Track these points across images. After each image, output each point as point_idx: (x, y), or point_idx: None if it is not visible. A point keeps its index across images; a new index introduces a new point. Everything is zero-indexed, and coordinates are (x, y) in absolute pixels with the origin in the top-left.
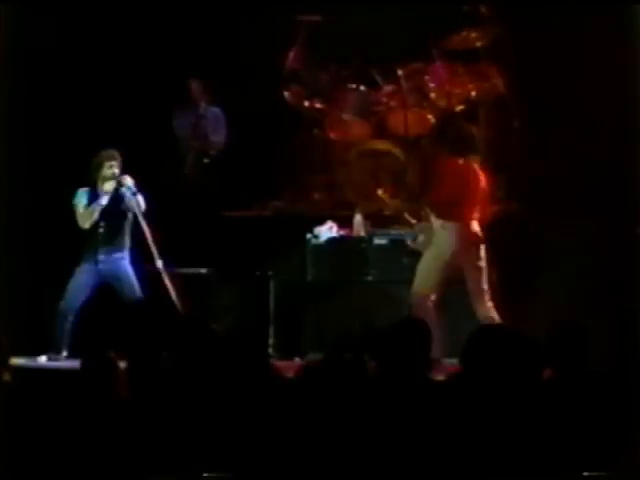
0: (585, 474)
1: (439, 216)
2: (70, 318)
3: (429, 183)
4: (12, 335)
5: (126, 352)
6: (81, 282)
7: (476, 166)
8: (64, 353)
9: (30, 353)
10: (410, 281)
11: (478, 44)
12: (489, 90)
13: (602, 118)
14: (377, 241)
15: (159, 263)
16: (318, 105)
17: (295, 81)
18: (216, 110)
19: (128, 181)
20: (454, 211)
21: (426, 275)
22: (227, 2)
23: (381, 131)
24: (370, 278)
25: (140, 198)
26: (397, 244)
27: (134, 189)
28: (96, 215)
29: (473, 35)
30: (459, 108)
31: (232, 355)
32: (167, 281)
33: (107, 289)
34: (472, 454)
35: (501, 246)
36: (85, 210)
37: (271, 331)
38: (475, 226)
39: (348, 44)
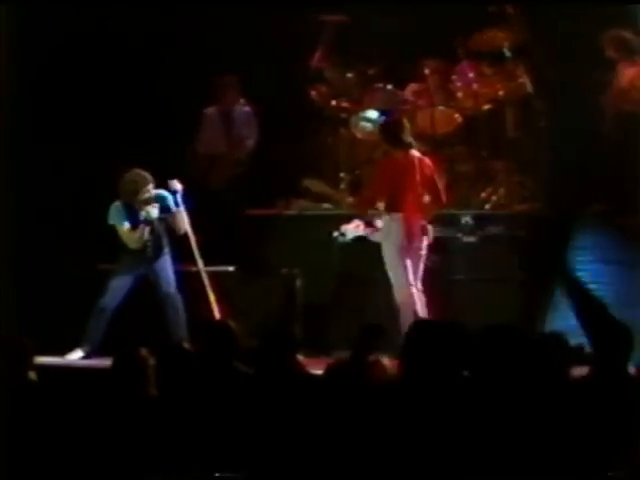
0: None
1: (386, 208)
2: (107, 316)
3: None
4: (36, 335)
5: (155, 350)
6: (122, 283)
7: (417, 158)
8: (87, 351)
9: (59, 352)
10: (439, 279)
11: (504, 44)
12: (516, 90)
13: (628, 117)
14: None
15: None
16: (344, 104)
17: (321, 80)
18: (248, 110)
19: (177, 186)
20: (396, 203)
21: (396, 272)
22: (254, 2)
23: None
24: None
25: (182, 213)
26: None
27: (179, 200)
28: (146, 235)
29: (499, 35)
30: (486, 107)
31: (259, 353)
32: (206, 281)
33: (140, 288)
34: (484, 451)
35: (527, 246)
36: (132, 234)
37: (297, 329)
38: (418, 216)
39: (374, 43)
